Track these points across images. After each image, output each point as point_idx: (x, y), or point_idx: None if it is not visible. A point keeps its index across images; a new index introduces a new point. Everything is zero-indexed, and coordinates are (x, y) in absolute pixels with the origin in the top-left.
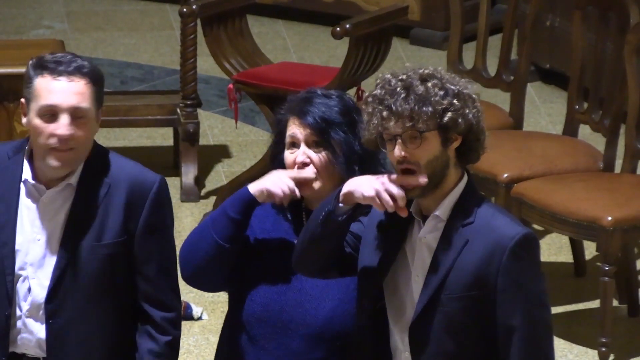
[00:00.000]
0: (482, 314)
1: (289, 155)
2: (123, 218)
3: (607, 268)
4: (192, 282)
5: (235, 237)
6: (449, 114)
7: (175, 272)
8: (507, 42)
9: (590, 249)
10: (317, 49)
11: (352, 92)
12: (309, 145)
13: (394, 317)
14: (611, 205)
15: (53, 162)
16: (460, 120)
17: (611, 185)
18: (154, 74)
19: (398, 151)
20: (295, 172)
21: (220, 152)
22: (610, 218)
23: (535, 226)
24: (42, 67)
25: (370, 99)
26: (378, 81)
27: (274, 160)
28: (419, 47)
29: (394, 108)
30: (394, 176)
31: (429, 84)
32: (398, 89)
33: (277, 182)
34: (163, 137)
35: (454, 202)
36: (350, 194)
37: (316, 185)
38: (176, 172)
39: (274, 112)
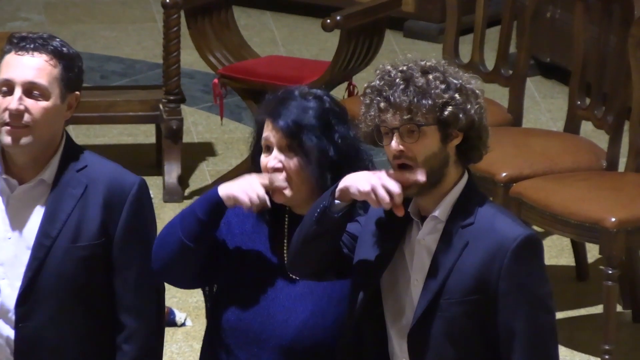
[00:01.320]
0: (484, 319)
1: (263, 159)
2: (101, 220)
3: (610, 272)
4: (159, 275)
5: (201, 237)
6: (450, 109)
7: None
8: (506, 35)
9: (592, 252)
10: (306, 42)
11: (343, 87)
12: (281, 149)
13: (392, 322)
14: (615, 205)
15: (5, 138)
16: (461, 115)
17: (614, 185)
18: (135, 68)
19: (395, 145)
20: (267, 180)
21: (205, 150)
22: (613, 219)
23: (535, 228)
24: (10, 42)
25: (368, 90)
26: (377, 72)
27: (253, 161)
28: (414, 40)
29: (391, 99)
30: (391, 172)
31: (430, 77)
32: (397, 80)
33: (246, 189)
34: (145, 134)
35: (453, 202)
36: (346, 190)
37: (287, 192)
38: (158, 171)
39: None
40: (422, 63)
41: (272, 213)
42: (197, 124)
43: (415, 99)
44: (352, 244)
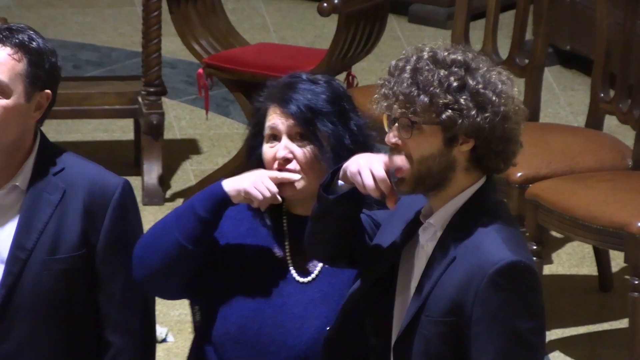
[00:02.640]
0: (459, 345)
1: (268, 150)
2: (81, 228)
3: (636, 282)
4: (144, 285)
5: (202, 238)
6: (449, 112)
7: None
8: (521, 20)
9: (617, 260)
10: (301, 28)
11: (341, 77)
12: (291, 138)
13: (397, 327)
14: None
15: None
16: (460, 121)
17: None
18: (112, 56)
19: (391, 135)
20: (278, 173)
21: (189, 148)
22: None
23: (554, 233)
24: None
25: (380, 81)
26: (403, 52)
27: (250, 155)
28: (419, 26)
29: (395, 89)
30: (385, 156)
31: (442, 72)
32: (408, 68)
33: (257, 184)
34: (122, 129)
35: (454, 211)
36: (344, 171)
37: (299, 184)
38: (137, 170)
39: (251, 100)
40: (443, 54)
41: (269, 215)
42: (180, 118)
43: (412, 94)
44: (374, 231)
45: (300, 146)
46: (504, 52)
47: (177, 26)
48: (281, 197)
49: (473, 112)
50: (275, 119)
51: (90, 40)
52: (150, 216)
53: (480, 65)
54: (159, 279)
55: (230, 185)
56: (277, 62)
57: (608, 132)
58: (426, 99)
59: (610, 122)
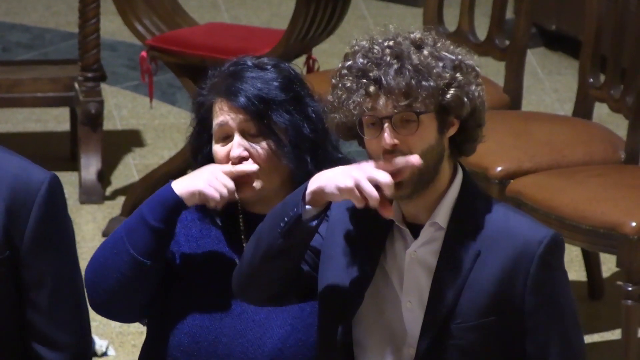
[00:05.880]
0: (506, 344)
1: (219, 150)
2: (3, 230)
3: (630, 288)
4: (103, 311)
5: (159, 250)
6: (452, 91)
7: (78, 297)
8: None
9: (608, 264)
10: (255, 6)
11: (300, 61)
12: (244, 134)
13: (376, 356)
14: (636, 207)
15: None
16: (465, 99)
17: (635, 182)
18: (44, 38)
19: (389, 138)
20: (233, 167)
21: (131, 140)
22: (634, 224)
23: None
24: None
25: (345, 71)
26: (356, 48)
27: (195, 155)
28: (387, 4)
29: (384, 82)
30: (375, 162)
31: (425, 52)
32: (388, 59)
33: (212, 182)
34: (57, 119)
35: (452, 204)
36: (320, 191)
37: (257, 184)
38: (74, 165)
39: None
40: (412, 36)
41: (223, 214)
42: (121, 107)
43: (414, 81)
44: (313, 259)
45: (255, 142)
46: (481, 32)
47: (117, 4)
48: (240, 198)
49: (472, 87)
50: (224, 115)
51: (21, 20)
52: (88, 215)
53: (439, 40)
54: (118, 302)
55: (182, 187)
56: (228, 44)
57: (598, 122)
58: (430, 84)
59: (601, 111)
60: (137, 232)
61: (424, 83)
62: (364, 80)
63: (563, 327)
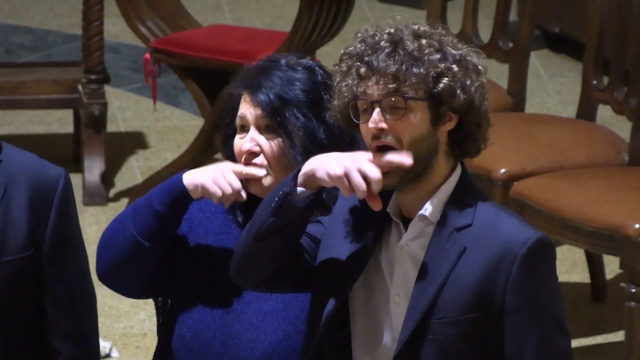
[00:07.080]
0: (485, 342)
1: (237, 141)
2: (28, 227)
3: (633, 290)
4: (104, 281)
5: (159, 234)
6: (445, 81)
7: (91, 291)
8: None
9: (612, 266)
10: (258, 8)
11: None
12: (259, 129)
13: (366, 348)
14: (639, 209)
15: None
16: (458, 91)
17: (639, 184)
18: (48, 40)
19: (376, 119)
20: (243, 168)
21: (134, 142)
22: (637, 226)
23: None
24: None
25: (345, 56)
26: (359, 35)
27: (224, 144)
28: (390, 6)
29: (375, 64)
30: (369, 154)
31: (424, 41)
32: (383, 43)
33: (218, 179)
34: (60, 121)
35: (445, 200)
36: (311, 174)
37: (266, 181)
38: (77, 167)
39: (203, 89)
40: (415, 27)
41: (244, 211)
42: (125, 109)
43: (404, 66)
44: (313, 248)
45: (268, 139)
46: (485, 34)
47: (120, 6)
48: (248, 193)
49: (468, 82)
50: (245, 108)
51: (24, 22)
52: (91, 217)
53: (447, 36)
54: (115, 275)
55: (190, 178)
56: (232, 46)
57: (601, 124)
58: (421, 70)
59: (604, 113)
60: (142, 213)
61: (414, 69)
62: (358, 63)
63: (543, 330)
